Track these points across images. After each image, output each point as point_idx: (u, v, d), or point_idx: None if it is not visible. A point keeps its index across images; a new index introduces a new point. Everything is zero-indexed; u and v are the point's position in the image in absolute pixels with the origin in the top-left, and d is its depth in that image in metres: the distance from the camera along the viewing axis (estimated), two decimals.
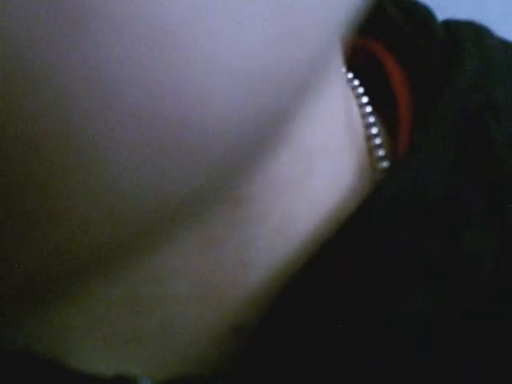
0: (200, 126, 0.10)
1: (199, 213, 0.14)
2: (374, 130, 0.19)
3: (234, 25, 0.09)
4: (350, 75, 0.20)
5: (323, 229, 0.17)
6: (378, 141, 0.19)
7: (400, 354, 0.16)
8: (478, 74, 0.19)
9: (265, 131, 0.11)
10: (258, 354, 0.16)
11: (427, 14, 0.21)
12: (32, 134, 0.09)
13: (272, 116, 0.11)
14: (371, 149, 0.19)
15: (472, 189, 0.17)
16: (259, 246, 0.16)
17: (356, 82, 0.20)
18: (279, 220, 0.16)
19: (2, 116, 0.09)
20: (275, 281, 0.17)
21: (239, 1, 0.09)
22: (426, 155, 0.17)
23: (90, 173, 0.10)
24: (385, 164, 0.19)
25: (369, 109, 0.19)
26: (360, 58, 0.20)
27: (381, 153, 0.19)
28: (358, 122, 0.19)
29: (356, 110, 0.19)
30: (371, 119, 0.19)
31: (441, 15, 0.21)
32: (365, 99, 0.20)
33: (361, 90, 0.20)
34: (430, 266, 0.17)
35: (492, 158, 0.18)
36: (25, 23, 0.08)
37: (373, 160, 0.19)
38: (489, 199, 0.17)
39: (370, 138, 0.19)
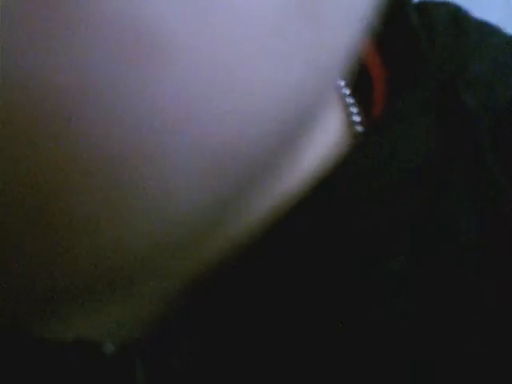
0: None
1: None
2: (350, 100, 0.20)
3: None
4: None
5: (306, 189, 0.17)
6: (353, 109, 0.19)
7: (374, 316, 0.16)
8: (450, 47, 0.19)
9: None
10: (216, 314, 0.17)
11: None
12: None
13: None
14: (348, 115, 0.19)
15: (447, 156, 0.18)
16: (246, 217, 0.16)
17: None
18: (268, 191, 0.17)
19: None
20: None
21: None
22: (400, 121, 0.18)
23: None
24: (360, 128, 0.19)
25: (341, 82, 0.20)
26: None
27: (356, 119, 0.19)
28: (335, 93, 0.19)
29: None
30: (345, 91, 0.20)
31: None
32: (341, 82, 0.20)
33: None
34: (404, 229, 0.17)
35: (465, 126, 0.18)
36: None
37: (350, 126, 0.19)
38: (463, 168, 0.18)
39: (346, 106, 0.19)
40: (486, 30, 0.21)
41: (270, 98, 0.12)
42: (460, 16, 0.21)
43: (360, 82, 0.20)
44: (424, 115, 0.18)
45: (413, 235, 0.17)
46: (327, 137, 0.18)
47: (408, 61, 0.19)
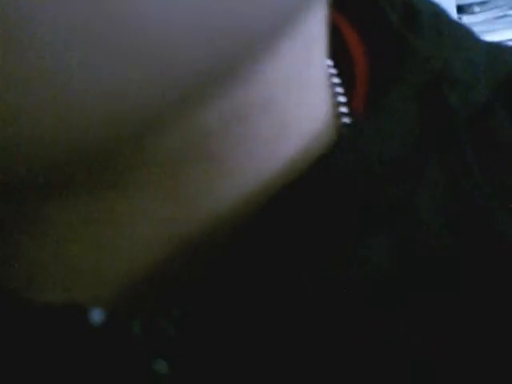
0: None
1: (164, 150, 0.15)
2: (339, 89, 0.20)
3: None
4: None
5: (293, 170, 0.17)
6: (342, 99, 0.20)
7: (356, 296, 0.17)
8: (434, 43, 0.20)
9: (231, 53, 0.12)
10: (210, 288, 0.17)
11: None
12: None
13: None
14: (336, 105, 0.20)
15: (427, 149, 0.19)
16: (223, 198, 0.17)
17: None
18: (246, 176, 0.17)
19: None
20: (241, 220, 0.17)
21: None
22: (385, 115, 0.18)
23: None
24: (346, 120, 0.20)
25: (332, 70, 0.20)
26: None
27: (343, 110, 0.20)
28: (326, 82, 0.20)
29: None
30: (335, 80, 0.20)
31: None
32: (327, 61, 0.20)
33: None
34: (385, 215, 0.18)
35: (446, 122, 0.19)
36: None
37: (336, 115, 0.20)
38: (442, 161, 0.19)
39: (334, 95, 0.20)
40: (463, 31, 0.22)
41: None
42: (440, 14, 0.21)
43: (343, 70, 0.20)
44: (408, 110, 0.19)
45: (390, 223, 0.18)
46: (314, 126, 0.18)
47: (393, 52, 0.20)
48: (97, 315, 0.17)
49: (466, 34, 0.22)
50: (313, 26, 0.17)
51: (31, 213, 0.16)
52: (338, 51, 0.21)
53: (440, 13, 0.22)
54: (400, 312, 0.17)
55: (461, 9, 1.18)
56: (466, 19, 1.15)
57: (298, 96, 0.18)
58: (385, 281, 0.17)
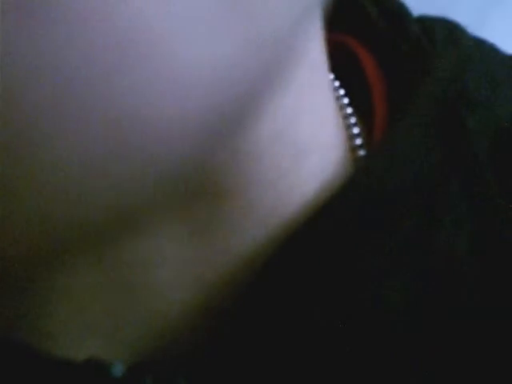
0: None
1: (183, 203, 0.16)
2: (352, 120, 0.20)
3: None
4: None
5: (311, 206, 0.17)
6: (355, 130, 0.20)
7: (371, 341, 0.17)
8: (453, 66, 0.19)
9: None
10: (232, 339, 0.17)
11: (401, 9, 0.21)
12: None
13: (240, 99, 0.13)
14: (350, 138, 0.20)
15: (446, 176, 0.18)
16: (245, 236, 0.17)
17: (331, 76, 0.20)
18: (264, 213, 0.17)
19: None
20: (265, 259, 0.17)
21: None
22: (401, 142, 0.18)
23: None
24: (362, 152, 0.19)
25: (345, 100, 0.20)
26: (334, 53, 0.20)
27: (358, 142, 0.19)
28: (337, 113, 0.20)
29: (335, 102, 0.20)
30: (348, 110, 0.20)
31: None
32: (341, 91, 0.20)
33: (336, 83, 0.20)
34: (404, 252, 0.17)
35: (466, 147, 0.18)
36: None
37: (352, 148, 0.19)
38: (462, 187, 0.18)
39: (348, 127, 0.20)
40: (484, 47, 0.21)
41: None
42: (458, 33, 0.21)
43: (360, 96, 0.20)
44: (425, 138, 0.18)
45: (412, 257, 0.17)
46: (328, 161, 0.18)
47: (409, 77, 0.19)
48: (118, 370, 0.17)
49: (486, 48, 0.21)
50: (313, 54, 0.18)
51: (50, 267, 0.16)
52: (355, 76, 0.21)
53: (454, 28, 0.21)
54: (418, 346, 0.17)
55: None
56: None
57: (307, 128, 0.18)
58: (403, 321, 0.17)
